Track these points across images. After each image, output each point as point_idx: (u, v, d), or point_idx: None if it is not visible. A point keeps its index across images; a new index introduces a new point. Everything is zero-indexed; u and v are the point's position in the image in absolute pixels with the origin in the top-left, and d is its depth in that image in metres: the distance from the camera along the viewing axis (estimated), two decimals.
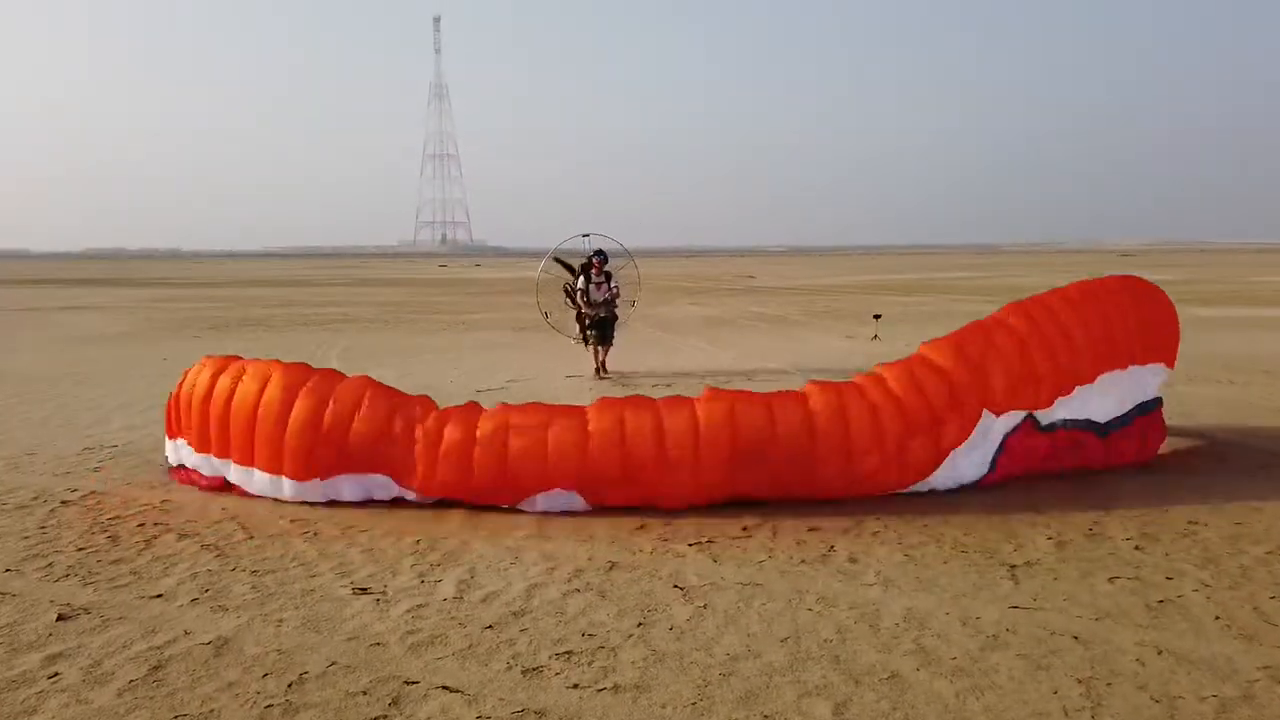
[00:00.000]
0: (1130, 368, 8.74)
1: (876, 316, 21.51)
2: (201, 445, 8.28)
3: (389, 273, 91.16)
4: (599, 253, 15.94)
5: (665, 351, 19.54)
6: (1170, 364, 9.28)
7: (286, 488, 7.85)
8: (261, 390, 7.91)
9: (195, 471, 8.42)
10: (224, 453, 8.14)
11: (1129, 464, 8.77)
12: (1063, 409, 8.39)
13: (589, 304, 15.61)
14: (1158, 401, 9.10)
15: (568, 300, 16.15)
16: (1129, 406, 8.79)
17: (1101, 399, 8.56)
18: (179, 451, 8.63)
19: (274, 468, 7.86)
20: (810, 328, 25.15)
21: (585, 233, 16.58)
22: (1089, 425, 8.56)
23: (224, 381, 8.14)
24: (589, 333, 15.99)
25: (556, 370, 16.24)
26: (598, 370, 16.00)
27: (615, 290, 15.99)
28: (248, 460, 8.00)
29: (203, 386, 8.24)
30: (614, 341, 16.19)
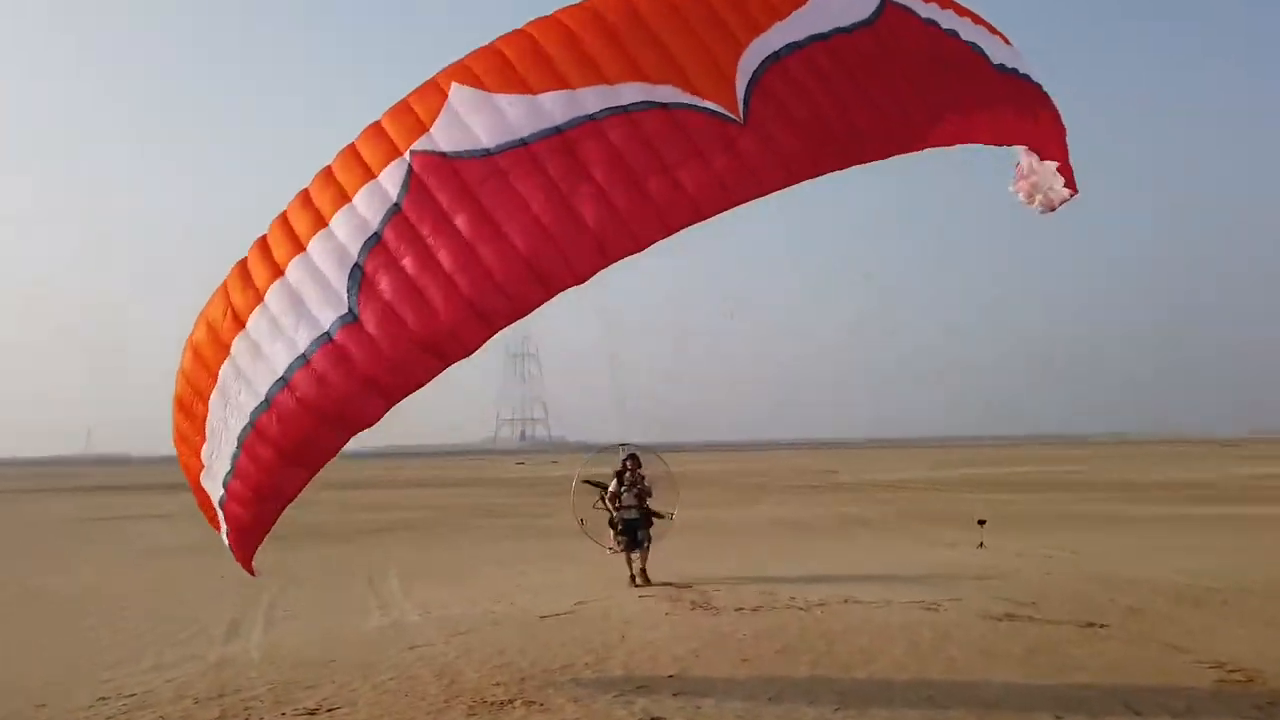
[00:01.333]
0: None
1: (981, 522, 19.62)
2: None
3: (465, 471, 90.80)
4: (630, 456, 15.33)
5: (742, 561, 17.91)
6: None
7: None
8: None
9: None
10: None
11: None
12: None
13: (620, 508, 14.99)
14: None
15: (600, 503, 15.44)
16: None
17: None
18: None
19: None
20: (904, 533, 23.22)
21: (622, 443, 15.79)
22: None
23: None
24: (620, 537, 15.11)
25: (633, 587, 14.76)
26: (632, 579, 14.97)
27: (646, 488, 15.24)
28: None
29: None
30: (649, 546, 15.13)
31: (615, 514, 15.11)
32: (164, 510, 39.87)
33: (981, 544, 19.05)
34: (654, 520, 15.30)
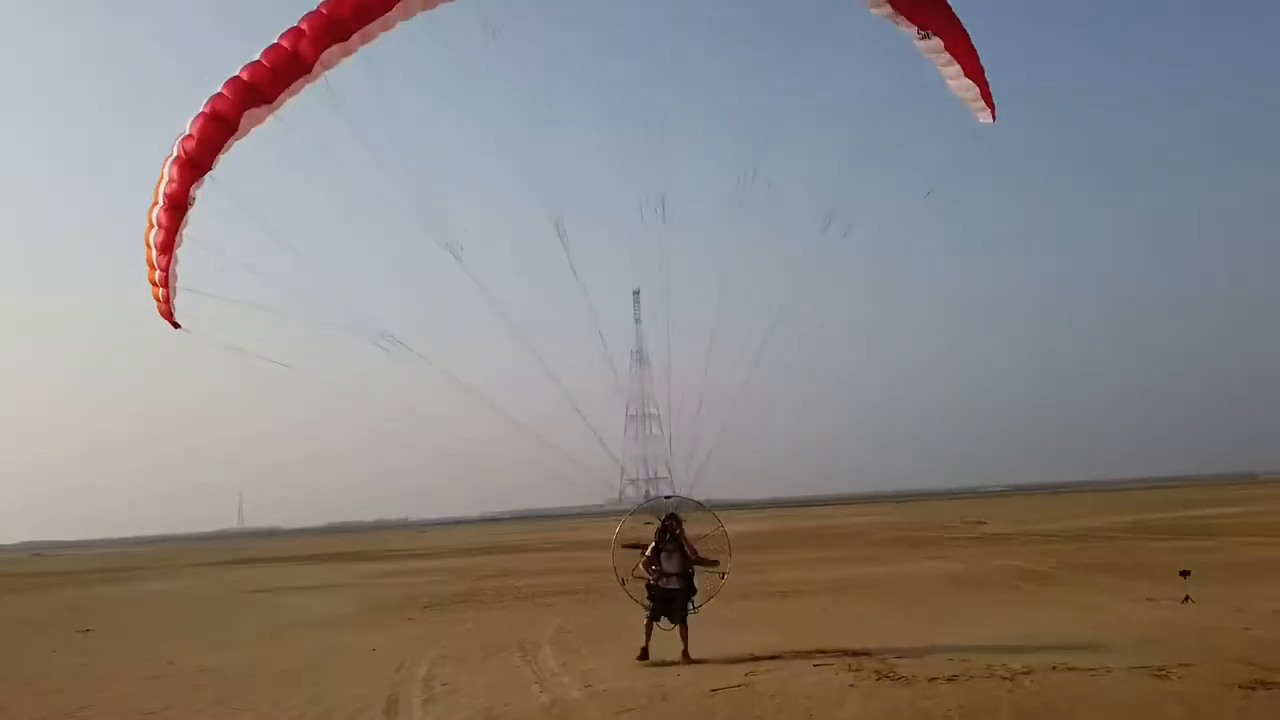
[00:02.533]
0: None
1: (1184, 574, 17.51)
2: None
3: (599, 533, 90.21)
4: (670, 516, 14.13)
5: (916, 622, 16.44)
6: None
7: None
8: None
9: None
10: None
11: None
12: None
13: (660, 574, 13.84)
14: None
15: (640, 568, 14.19)
16: None
17: None
18: None
19: None
20: (1089, 588, 21.10)
21: (668, 494, 14.90)
22: None
23: None
24: (650, 604, 13.89)
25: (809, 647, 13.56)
26: (643, 655, 13.53)
27: (693, 554, 14.02)
28: None
29: None
30: (688, 621, 13.88)
31: (654, 581, 13.94)
32: (311, 582, 40.72)
33: (1187, 598, 16.98)
34: (699, 585, 14.13)
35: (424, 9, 11.25)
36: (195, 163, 10.81)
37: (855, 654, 13.27)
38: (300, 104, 11.34)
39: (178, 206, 10.96)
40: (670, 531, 14.06)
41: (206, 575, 52.44)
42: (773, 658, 13.44)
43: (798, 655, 13.61)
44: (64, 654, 19.55)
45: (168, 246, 11.17)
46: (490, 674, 13.88)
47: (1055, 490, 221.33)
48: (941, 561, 30.73)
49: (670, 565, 13.89)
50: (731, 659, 13.56)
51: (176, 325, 11.94)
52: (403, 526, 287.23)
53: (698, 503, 15.10)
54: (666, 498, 14.81)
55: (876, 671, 11.89)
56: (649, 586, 14.03)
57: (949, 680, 11.07)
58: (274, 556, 76.88)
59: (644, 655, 13.67)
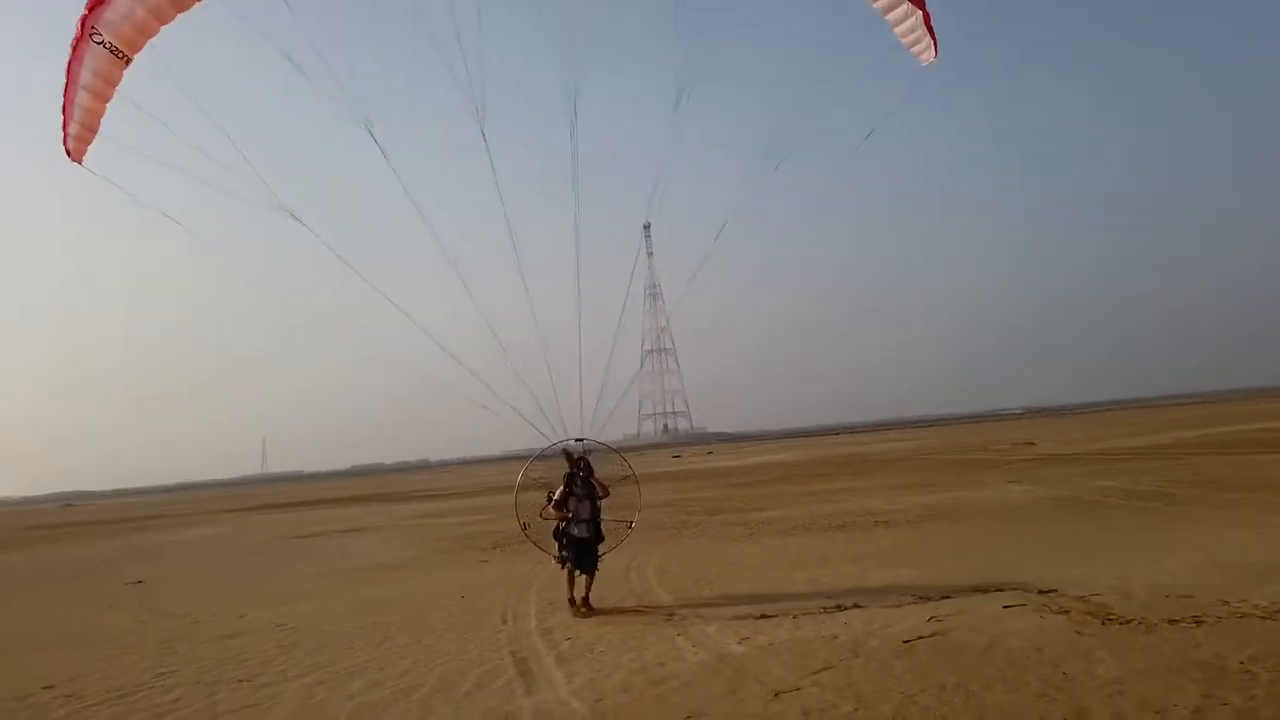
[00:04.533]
0: None
1: None
2: None
3: (642, 467, 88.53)
4: (580, 459, 13.58)
5: (1061, 551, 14.68)
6: None
7: None
8: None
9: None
10: None
11: None
12: None
13: (570, 520, 13.25)
14: None
15: (546, 511, 13.66)
16: None
17: None
18: None
19: None
20: (1240, 505, 19.35)
21: (579, 437, 13.94)
22: None
23: None
24: (565, 554, 13.29)
25: (964, 583, 11.85)
26: (573, 602, 13.12)
27: (604, 493, 13.57)
28: None
29: None
30: (597, 569, 13.36)
31: (562, 526, 13.34)
32: (355, 524, 39.43)
33: None
34: (606, 536, 13.57)
35: None
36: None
37: (1039, 592, 11.54)
38: None
39: (75, 40, 11.49)
40: (579, 476, 13.48)
41: (242, 521, 51.41)
42: (928, 599, 11.75)
43: (959, 592, 11.90)
44: (121, 610, 18.03)
45: (69, 78, 11.71)
46: (615, 624, 12.20)
47: (1077, 410, 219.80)
48: (1027, 485, 28.97)
49: (581, 511, 13.31)
50: (877, 598, 11.92)
51: (75, 158, 12.40)
52: (424, 467, 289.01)
53: (608, 446, 14.58)
54: (577, 440, 13.95)
55: (1089, 614, 10.13)
56: (559, 534, 13.42)
57: (1195, 623, 9.30)
58: (306, 500, 76.15)
59: (573, 603, 13.20)
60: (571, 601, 13.24)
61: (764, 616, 11.66)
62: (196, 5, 11.83)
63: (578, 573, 13.26)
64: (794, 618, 11.43)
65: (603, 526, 13.59)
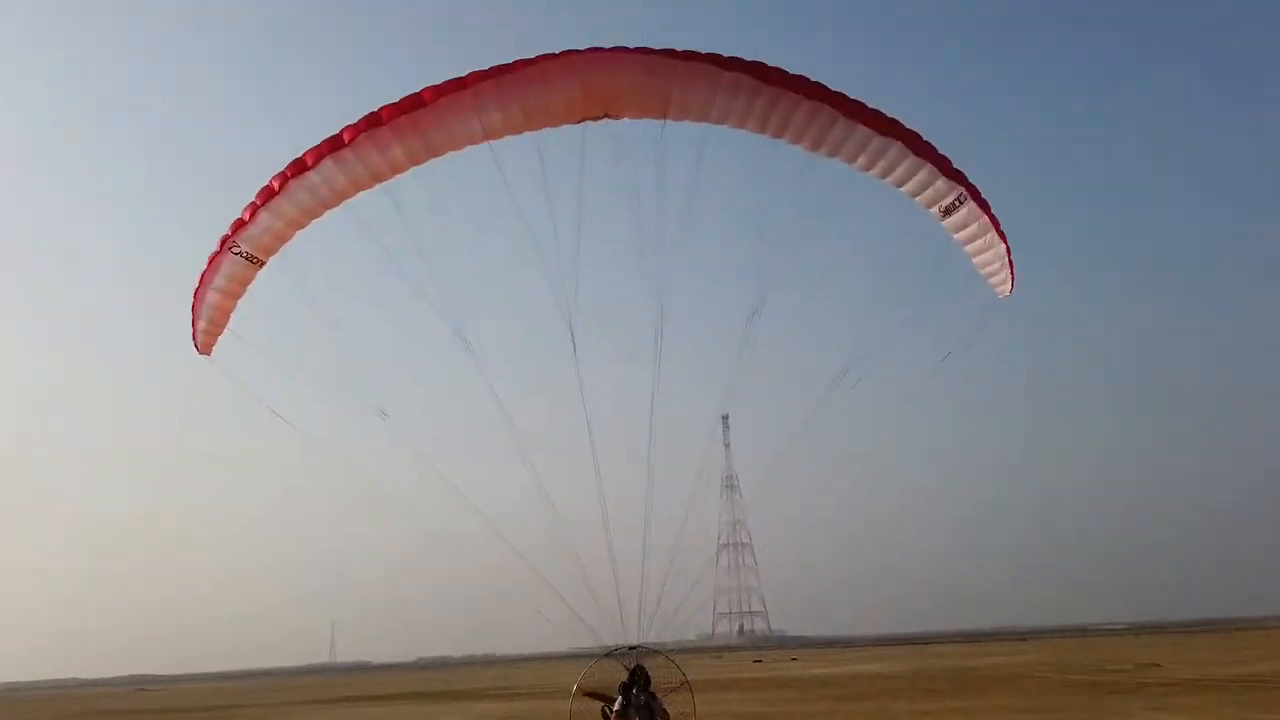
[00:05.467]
0: None
1: None
2: None
3: (718, 672, 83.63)
4: (638, 669, 12.98)
5: None
6: None
7: None
8: None
9: None
10: None
11: None
12: None
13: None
14: None
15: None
16: None
17: None
18: None
19: None
20: None
21: (631, 646, 13.52)
22: None
23: None
24: None
25: None
26: None
27: (663, 708, 12.78)
28: None
29: None
30: None
31: None
32: None
33: None
34: None
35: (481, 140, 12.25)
36: (239, 219, 12.54)
37: None
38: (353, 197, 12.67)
39: (214, 253, 12.74)
40: (637, 686, 12.88)
41: (313, 715, 49.99)
42: None
43: None
44: None
45: (201, 280, 13.00)
46: None
47: (1188, 628, 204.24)
48: (1170, 717, 26.41)
49: None
50: None
51: (203, 350, 13.60)
52: (491, 662, 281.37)
53: (666, 656, 13.84)
54: (631, 648, 13.56)
55: None
56: None
57: None
58: (382, 694, 74.04)
59: None
60: None
61: None
62: (327, 213, 12.84)
63: None
64: None
65: None
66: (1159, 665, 54.67)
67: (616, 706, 12.75)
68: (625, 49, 11.62)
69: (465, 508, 14.02)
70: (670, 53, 11.64)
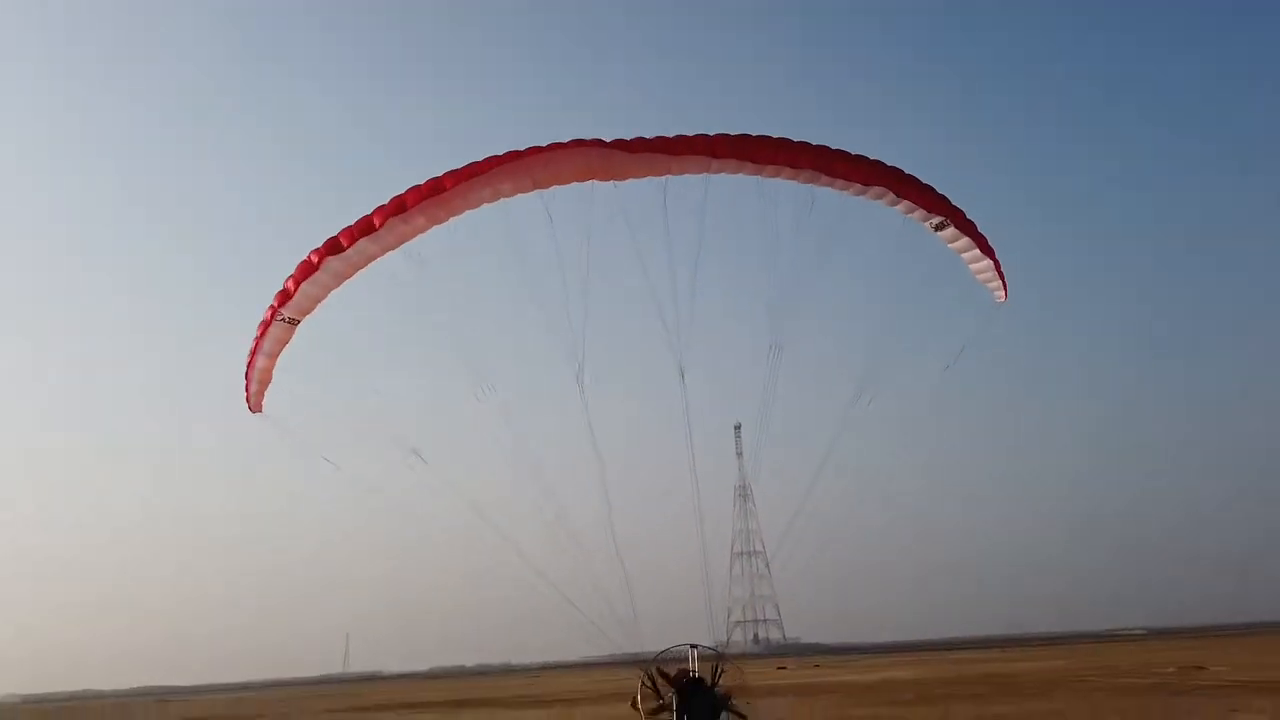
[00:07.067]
0: None
1: None
2: None
3: (753, 679, 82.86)
4: (696, 678, 13.93)
5: None
6: None
7: None
8: None
9: None
10: None
11: None
12: None
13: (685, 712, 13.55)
14: None
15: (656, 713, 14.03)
16: None
17: None
18: None
19: None
20: None
21: (693, 643, 14.66)
22: None
23: None
24: None
25: None
26: None
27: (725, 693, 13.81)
28: None
29: None
30: None
31: None
32: None
33: None
34: None
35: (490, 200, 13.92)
36: (284, 290, 14.33)
37: None
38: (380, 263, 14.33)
39: (263, 323, 14.66)
40: (689, 683, 13.93)
41: None
42: None
43: None
44: None
45: (252, 350, 14.91)
46: None
47: (1206, 632, 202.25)
48: (1259, 717, 25.64)
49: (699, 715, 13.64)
50: None
51: (255, 409, 15.45)
52: (507, 671, 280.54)
53: (718, 654, 14.97)
54: (692, 646, 14.70)
55: None
56: None
57: None
58: (414, 702, 73.28)
59: None
60: None
61: None
62: (355, 275, 14.62)
63: None
64: None
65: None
66: (1203, 668, 53.73)
67: (675, 701, 13.72)
68: (631, 141, 13.42)
69: (489, 531, 15.20)
70: (666, 143, 13.44)
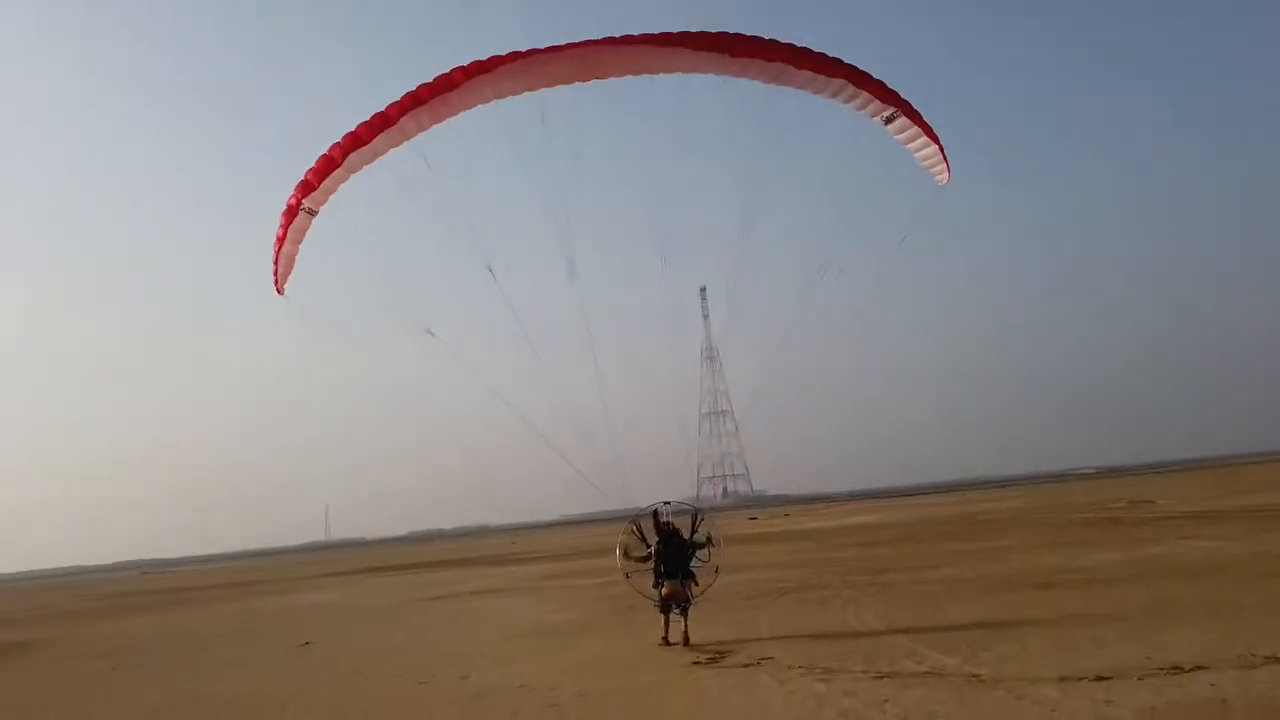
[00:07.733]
0: None
1: None
2: None
3: (727, 529, 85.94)
4: (668, 523, 16.70)
5: None
6: None
7: None
8: None
9: None
10: None
11: None
12: None
13: (663, 559, 16.31)
14: None
15: (644, 561, 16.76)
16: None
17: None
18: None
19: None
20: None
21: (666, 500, 17.19)
22: None
23: None
24: (659, 591, 16.26)
25: None
26: (665, 642, 15.93)
27: (697, 539, 16.68)
28: None
29: None
30: (689, 605, 16.21)
31: (656, 584, 16.42)
32: (490, 586, 38.75)
33: None
34: (696, 582, 16.40)
35: (491, 99, 15.40)
36: (306, 183, 15.74)
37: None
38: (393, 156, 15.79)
39: (289, 211, 16.03)
40: (669, 533, 16.57)
41: (355, 586, 50.96)
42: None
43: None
44: (329, 673, 17.55)
45: (279, 238, 16.27)
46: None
47: (1154, 470, 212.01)
48: (1209, 541, 27.40)
49: (670, 561, 16.41)
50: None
51: (280, 291, 16.96)
52: (486, 532, 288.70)
53: (696, 509, 17.26)
54: (665, 503, 17.05)
55: None
56: (657, 584, 16.45)
57: None
58: (405, 564, 75.48)
59: (665, 642, 15.96)
60: (665, 641, 15.96)
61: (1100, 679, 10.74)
62: (365, 168, 15.93)
63: (675, 615, 16.18)
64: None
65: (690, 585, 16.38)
66: (1151, 501, 56.73)
67: (651, 551, 16.49)
68: (620, 39, 14.71)
69: (478, 392, 17.54)
70: (652, 38, 14.59)
